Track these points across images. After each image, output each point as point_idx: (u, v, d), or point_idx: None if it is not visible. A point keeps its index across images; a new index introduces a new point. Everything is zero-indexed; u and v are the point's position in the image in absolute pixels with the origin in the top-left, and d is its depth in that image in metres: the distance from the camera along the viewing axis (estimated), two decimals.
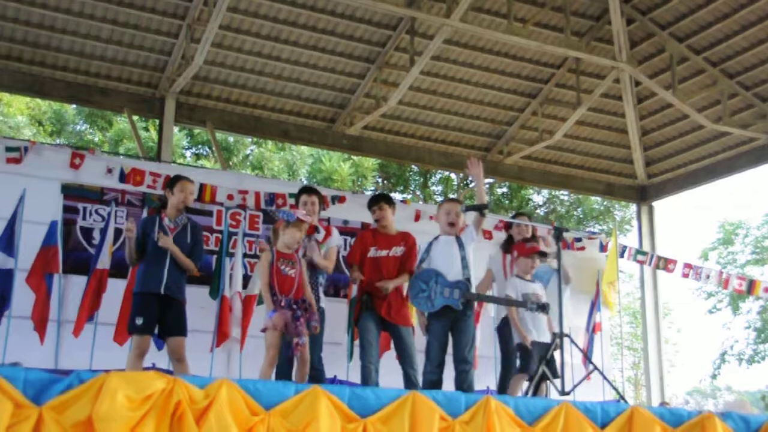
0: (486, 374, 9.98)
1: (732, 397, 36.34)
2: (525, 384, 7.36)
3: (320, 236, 7.32)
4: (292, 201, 10.11)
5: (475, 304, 9.00)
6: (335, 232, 7.61)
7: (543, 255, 8.02)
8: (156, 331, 6.94)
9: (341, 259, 9.27)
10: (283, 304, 6.24)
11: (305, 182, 20.43)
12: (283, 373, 6.68)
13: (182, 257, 6.94)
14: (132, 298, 7.05)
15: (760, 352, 27.37)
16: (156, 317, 6.82)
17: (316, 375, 6.87)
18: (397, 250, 7.37)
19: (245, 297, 8.96)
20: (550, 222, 19.66)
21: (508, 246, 8.20)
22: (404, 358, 7.16)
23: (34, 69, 11.01)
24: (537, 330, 7.41)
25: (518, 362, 7.52)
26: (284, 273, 6.32)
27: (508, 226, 8.63)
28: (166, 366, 7.53)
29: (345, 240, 10.05)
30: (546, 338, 7.44)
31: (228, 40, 11.38)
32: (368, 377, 7.01)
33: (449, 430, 4.71)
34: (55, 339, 8.45)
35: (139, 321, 6.73)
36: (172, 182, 7.22)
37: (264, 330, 6.27)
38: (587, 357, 10.16)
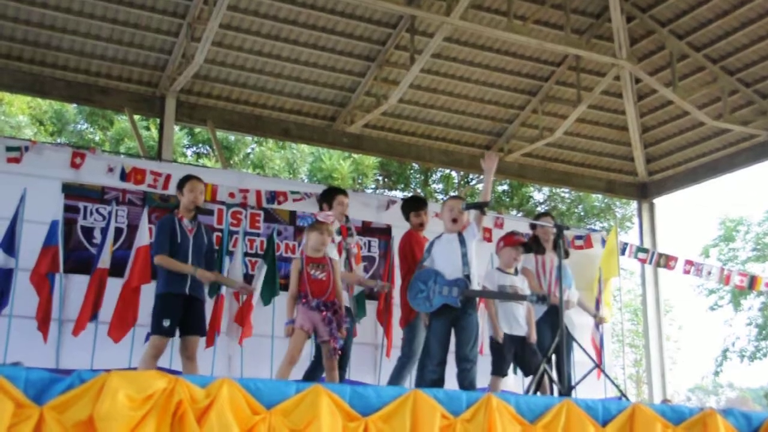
0: (488, 373, 9.97)
1: (734, 393, 36.36)
2: (500, 384, 7.38)
3: (353, 241, 7.34)
4: (294, 198, 10.14)
5: (477, 301, 9.01)
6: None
7: (528, 249, 7.96)
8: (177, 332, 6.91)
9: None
10: (313, 305, 6.25)
11: (306, 180, 20.45)
12: (313, 377, 6.72)
13: (229, 281, 7.18)
14: (155, 299, 6.96)
15: (762, 349, 27.39)
16: (180, 318, 6.81)
17: (341, 374, 6.92)
18: None
19: (247, 296, 8.96)
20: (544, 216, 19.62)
21: (538, 247, 8.13)
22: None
23: (35, 68, 11.01)
24: (509, 323, 7.41)
25: (491, 359, 7.51)
26: (315, 277, 6.36)
27: (532, 228, 8.56)
28: (168, 365, 7.55)
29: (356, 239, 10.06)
30: (520, 331, 7.42)
31: (228, 38, 11.37)
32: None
33: (450, 429, 4.70)
34: (56, 338, 8.46)
35: (166, 323, 6.67)
36: (181, 182, 7.18)
37: (290, 332, 6.27)
38: (599, 355, 10.21)
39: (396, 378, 7.42)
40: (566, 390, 6.34)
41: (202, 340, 7.51)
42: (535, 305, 7.34)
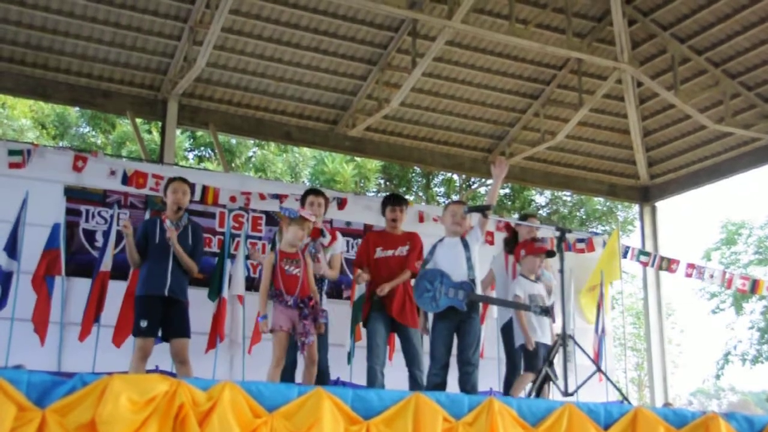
0: (489, 375, 9.97)
1: (736, 397, 36.35)
2: (530, 383, 7.35)
3: (326, 240, 7.32)
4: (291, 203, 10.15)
5: (480, 305, 9.00)
6: (340, 237, 7.62)
7: (551, 255, 7.99)
8: (159, 333, 6.95)
9: (343, 261, 9.28)
10: (290, 303, 6.24)
11: (308, 184, 20.45)
12: (288, 375, 6.69)
13: (185, 256, 6.97)
14: (133, 300, 7.05)
15: (764, 353, 27.35)
16: (160, 319, 6.82)
17: (322, 376, 6.89)
18: (403, 250, 7.42)
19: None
20: (553, 223, 19.65)
21: (511, 246, 8.14)
22: (411, 359, 7.20)
23: (37, 72, 11.03)
24: (542, 331, 7.41)
25: (523, 362, 7.51)
26: (288, 273, 6.34)
27: (516, 226, 8.55)
28: (170, 368, 7.55)
29: (348, 242, 10.06)
30: (549, 339, 7.45)
31: (230, 42, 11.39)
32: (374, 379, 7.03)
33: None
34: (58, 341, 8.46)
35: (143, 324, 6.74)
36: (165, 185, 7.32)
37: (271, 331, 6.28)
38: (598, 358, 10.19)
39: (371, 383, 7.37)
40: (568, 393, 6.33)
41: (203, 344, 7.55)
42: (539, 315, 7.29)
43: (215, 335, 8.71)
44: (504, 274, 8.03)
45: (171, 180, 7.30)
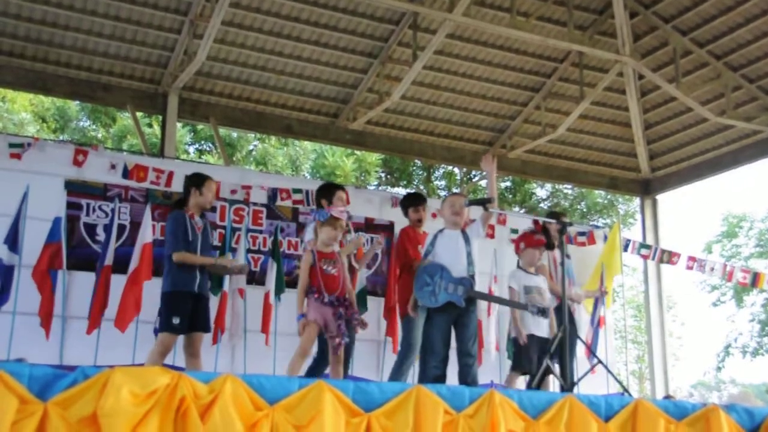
0: (491, 368, 9.99)
1: (736, 389, 36.39)
2: (518, 381, 7.40)
3: (350, 236, 7.36)
4: (296, 197, 10.16)
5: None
6: (353, 233, 7.67)
7: (550, 248, 8.06)
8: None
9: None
10: (326, 301, 6.28)
11: (308, 177, 20.46)
12: (317, 373, 6.75)
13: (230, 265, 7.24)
14: (163, 297, 6.94)
15: (765, 345, 27.40)
16: (189, 316, 6.81)
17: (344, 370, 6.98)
18: None
19: (266, 294, 9.00)
20: (556, 216, 19.64)
21: (549, 243, 8.16)
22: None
23: (37, 66, 11.02)
24: (536, 324, 7.43)
25: (511, 360, 7.58)
26: (327, 272, 6.39)
27: (543, 224, 8.54)
28: (172, 362, 7.56)
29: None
30: (545, 333, 7.49)
31: (230, 35, 11.38)
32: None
33: (453, 424, 4.71)
34: (59, 335, 8.48)
35: (175, 320, 6.67)
36: (200, 180, 7.13)
37: (305, 324, 6.30)
38: (591, 351, 10.19)
39: (396, 372, 7.42)
40: (569, 386, 6.35)
41: (207, 337, 7.55)
42: (535, 315, 7.29)
43: (217, 329, 8.73)
44: (553, 269, 8.07)
45: (207, 177, 7.17)
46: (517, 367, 7.53)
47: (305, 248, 6.70)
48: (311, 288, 6.37)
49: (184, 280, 6.81)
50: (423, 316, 7.17)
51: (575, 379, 6.83)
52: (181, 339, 6.90)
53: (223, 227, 9.46)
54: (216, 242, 9.28)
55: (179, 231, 6.85)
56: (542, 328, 7.51)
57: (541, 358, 7.38)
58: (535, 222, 8.71)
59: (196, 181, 7.14)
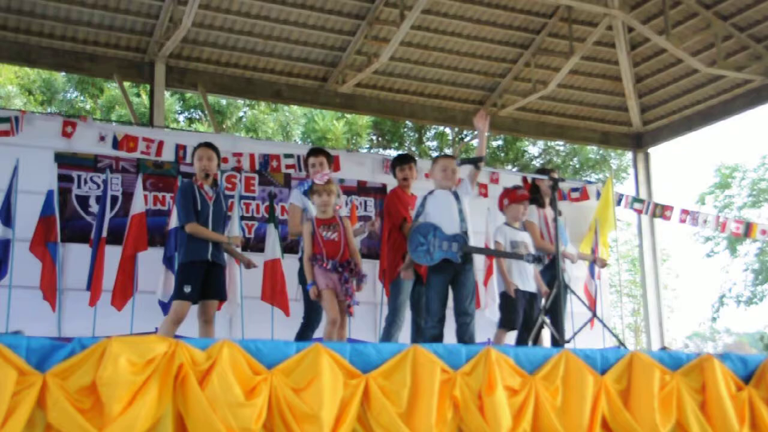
0: (488, 326, 10.05)
1: (731, 339, 36.70)
2: (506, 338, 7.44)
3: (340, 200, 7.36)
4: (287, 161, 10.16)
5: (484, 257, 9.07)
6: (342, 196, 7.69)
7: (541, 205, 8.09)
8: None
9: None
10: (329, 267, 6.32)
11: (299, 142, 20.42)
12: (309, 333, 6.81)
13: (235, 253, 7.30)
14: (178, 268, 6.98)
15: (758, 294, 27.58)
16: (201, 284, 6.84)
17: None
18: None
19: (268, 262, 9.00)
20: (546, 172, 19.65)
21: (540, 200, 8.19)
22: (418, 311, 7.41)
23: (21, 37, 10.92)
24: (522, 279, 7.48)
25: (499, 316, 7.60)
26: (327, 238, 6.43)
27: (533, 181, 8.55)
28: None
29: (343, 199, 10.09)
30: (531, 287, 7.52)
31: (215, 1, 11.28)
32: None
33: (451, 382, 4.76)
34: (57, 307, 8.51)
35: (187, 289, 6.71)
36: (193, 150, 7.20)
37: (318, 295, 6.35)
38: (594, 304, 10.28)
39: (386, 337, 7.46)
40: (564, 341, 6.40)
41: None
42: (531, 264, 7.33)
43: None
44: (545, 228, 8.08)
45: (198, 146, 7.17)
46: (505, 323, 7.52)
47: (306, 218, 6.80)
48: (315, 256, 6.43)
49: (197, 249, 6.83)
50: (410, 281, 7.24)
51: (570, 335, 6.88)
52: (195, 307, 6.95)
53: None
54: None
55: (187, 202, 6.87)
56: (529, 282, 7.54)
57: (528, 313, 7.43)
58: (524, 179, 8.72)
59: (193, 151, 7.22)
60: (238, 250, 7.61)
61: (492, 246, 7.54)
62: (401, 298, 7.38)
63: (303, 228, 6.68)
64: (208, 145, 7.17)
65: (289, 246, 9.18)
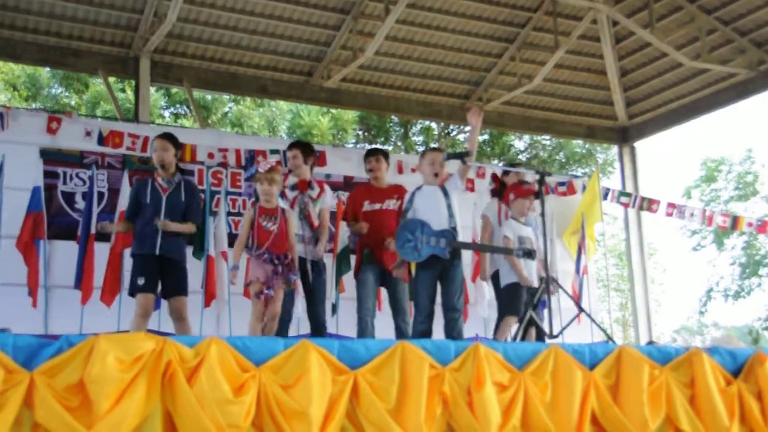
0: (476, 321, 10.08)
1: (719, 332, 36.85)
2: (515, 326, 7.41)
3: (314, 193, 7.32)
4: (273, 157, 10.14)
5: (471, 253, 9.08)
6: (329, 190, 7.63)
7: (540, 196, 8.03)
8: (158, 290, 6.95)
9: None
10: (265, 257, 6.27)
11: (285, 138, 20.37)
12: (282, 329, 6.76)
13: (179, 228, 6.95)
14: (119, 259, 7.07)
15: (746, 288, 27.67)
16: (157, 277, 6.84)
17: (320, 329, 7.14)
18: (390, 203, 7.52)
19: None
20: (532, 167, 19.70)
21: (501, 194, 8.20)
22: (398, 312, 7.34)
23: (5, 32, 10.85)
24: (528, 274, 7.45)
25: (506, 305, 7.55)
26: (265, 228, 6.34)
27: (503, 174, 8.59)
28: (157, 327, 7.59)
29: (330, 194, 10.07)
30: (534, 281, 7.52)
31: None
32: (365, 329, 7.16)
33: (439, 378, 4.77)
34: (44, 305, 8.47)
35: (141, 281, 6.74)
36: (151, 143, 7.29)
37: (248, 284, 6.32)
38: (578, 300, 10.28)
39: (360, 333, 7.44)
40: (552, 335, 6.41)
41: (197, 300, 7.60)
42: (521, 258, 7.30)
43: (209, 293, 8.78)
44: (497, 223, 8.08)
45: (155, 138, 7.25)
46: (513, 311, 7.42)
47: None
48: (250, 244, 6.34)
49: (145, 243, 6.85)
50: (406, 286, 7.29)
51: (558, 330, 6.89)
52: (166, 306, 6.94)
53: (202, 191, 9.41)
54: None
55: (131, 198, 7.11)
56: (532, 277, 7.49)
57: (526, 306, 7.41)
58: (494, 175, 8.72)
59: (150, 144, 7.29)
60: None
61: (501, 242, 7.50)
62: (364, 292, 7.40)
63: (245, 213, 6.58)
64: (163, 136, 7.19)
65: None
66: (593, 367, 5.36)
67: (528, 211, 7.65)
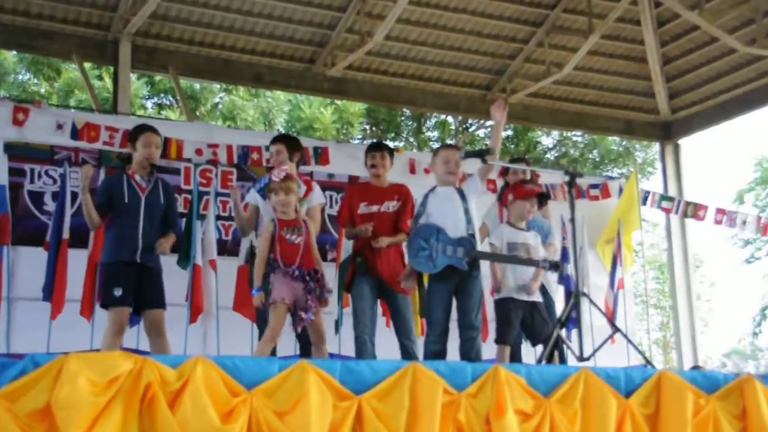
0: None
1: None
2: (507, 354, 7.35)
3: (300, 191, 7.31)
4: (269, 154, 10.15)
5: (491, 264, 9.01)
6: (317, 187, 7.60)
7: (545, 198, 7.94)
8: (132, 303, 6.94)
9: (326, 218, 9.31)
10: (296, 274, 6.29)
11: (282, 132, 20.41)
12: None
13: (169, 243, 7.06)
14: (100, 268, 7.03)
15: None
16: (134, 288, 6.82)
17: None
18: (390, 205, 7.43)
19: (239, 267, 8.97)
20: (561, 167, 19.69)
21: (501, 196, 8.18)
22: (401, 329, 7.27)
23: None
24: (518, 287, 7.28)
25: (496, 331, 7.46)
26: (290, 242, 6.38)
27: (504, 173, 8.61)
28: (135, 345, 7.57)
29: (331, 196, 10.08)
30: (529, 297, 7.32)
31: None
32: (363, 349, 7.09)
33: (455, 405, 4.75)
34: (5, 320, 8.46)
35: (117, 292, 6.71)
36: (134, 134, 7.19)
37: (270, 304, 6.31)
38: (613, 317, 10.24)
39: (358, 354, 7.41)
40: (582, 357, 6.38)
41: (180, 314, 7.58)
42: (547, 271, 7.24)
43: (196, 307, 8.73)
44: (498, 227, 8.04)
45: (142, 129, 7.21)
46: (502, 339, 7.33)
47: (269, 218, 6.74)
48: (272, 262, 6.37)
49: (122, 249, 6.85)
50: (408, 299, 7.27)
51: (589, 351, 6.85)
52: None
53: (189, 192, 9.42)
54: (181, 209, 9.26)
55: (99, 196, 7.00)
56: (528, 291, 7.36)
57: (528, 325, 7.31)
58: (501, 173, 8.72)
59: (133, 135, 7.22)
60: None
61: (487, 250, 7.41)
62: (358, 305, 7.35)
63: (263, 229, 6.61)
64: (156, 131, 7.21)
65: None
66: (629, 394, 5.34)
67: (529, 214, 7.53)
